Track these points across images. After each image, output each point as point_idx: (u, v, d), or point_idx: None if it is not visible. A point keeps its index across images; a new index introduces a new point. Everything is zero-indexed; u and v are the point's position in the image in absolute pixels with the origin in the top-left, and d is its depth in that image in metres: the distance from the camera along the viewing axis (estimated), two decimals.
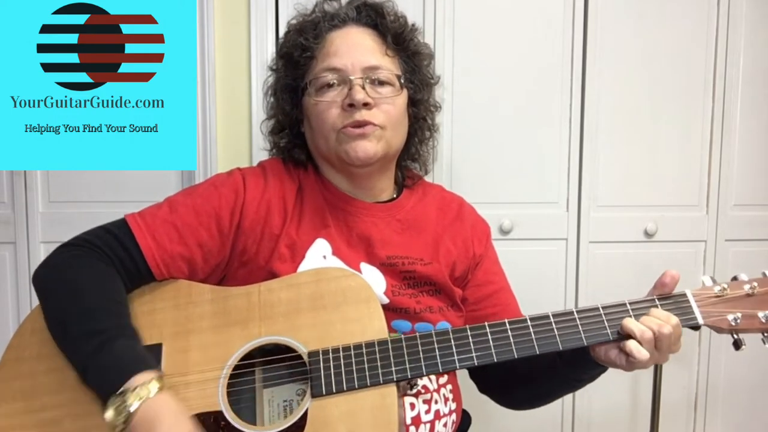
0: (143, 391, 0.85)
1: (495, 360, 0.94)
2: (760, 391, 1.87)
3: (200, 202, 1.05)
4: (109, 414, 0.84)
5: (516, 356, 0.94)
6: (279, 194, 1.08)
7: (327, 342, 0.95)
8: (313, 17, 1.10)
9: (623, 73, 1.74)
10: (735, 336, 0.95)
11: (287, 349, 0.96)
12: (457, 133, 1.70)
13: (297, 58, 1.08)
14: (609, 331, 0.95)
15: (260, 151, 1.72)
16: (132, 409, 0.83)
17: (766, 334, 0.95)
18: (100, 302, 0.94)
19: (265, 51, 1.71)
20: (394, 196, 1.17)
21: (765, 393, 1.88)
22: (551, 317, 0.96)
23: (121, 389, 0.84)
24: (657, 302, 0.97)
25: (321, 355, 0.94)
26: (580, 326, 0.96)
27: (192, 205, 1.04)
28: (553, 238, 1.76)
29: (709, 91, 1.76)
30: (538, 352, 0.94)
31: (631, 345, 0.92)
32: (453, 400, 1.09)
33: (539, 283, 1.75)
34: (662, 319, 0.93)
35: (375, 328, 0.96)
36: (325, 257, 1.05)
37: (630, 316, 0.95)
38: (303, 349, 0.95)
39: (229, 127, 1.74)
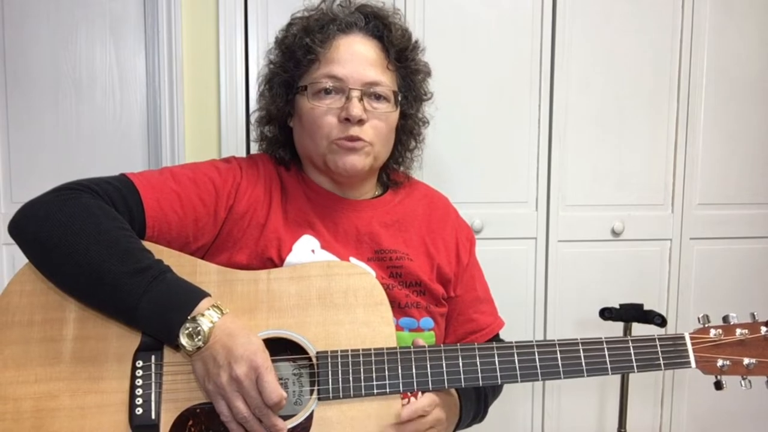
0: (212, 314, 0.88)
1: (499, 382, 0.96)
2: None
3: (204, 179, 1.04)
4: (184, 341, 0.87)
5: (519, 380, 0.95)
6: (268, 187, 1.09)
7: (334, 342, 0.95)
8: (320, 16, 1.09)
9: (591, 75, 1.76)
10: (718, 377, 0.98)
11: (292, 342, 0.95)
12: (427, 134, 1.71)
13: (299, 58, 1.07)
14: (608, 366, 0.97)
15: (229, 148, 1.70)
16: (208, 330, 0.87)
17: (745, 378, 0.98)
18: (132, 242, 0.92)
19: (234, 47, 1.68)
20: (378, 193, 1.19)
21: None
22: (557, 345, 0.97)
23: (191, 316, 0.88)
24: (657, 342, 0.98)
25: (330, 358, 0.93)
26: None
27: (194, 179, 1.03)
28: (523, 237, 1.78)
29: (674, 93, 1.80)
30: (540, 379, 0.96)
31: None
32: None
33: (509, 281, 1.77)
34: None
35: (384, 334, 0.96)
36: (313, 251, 1.05)
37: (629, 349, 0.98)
38: (312, 348, 0.94)
39: (197, 124, 1.71)
